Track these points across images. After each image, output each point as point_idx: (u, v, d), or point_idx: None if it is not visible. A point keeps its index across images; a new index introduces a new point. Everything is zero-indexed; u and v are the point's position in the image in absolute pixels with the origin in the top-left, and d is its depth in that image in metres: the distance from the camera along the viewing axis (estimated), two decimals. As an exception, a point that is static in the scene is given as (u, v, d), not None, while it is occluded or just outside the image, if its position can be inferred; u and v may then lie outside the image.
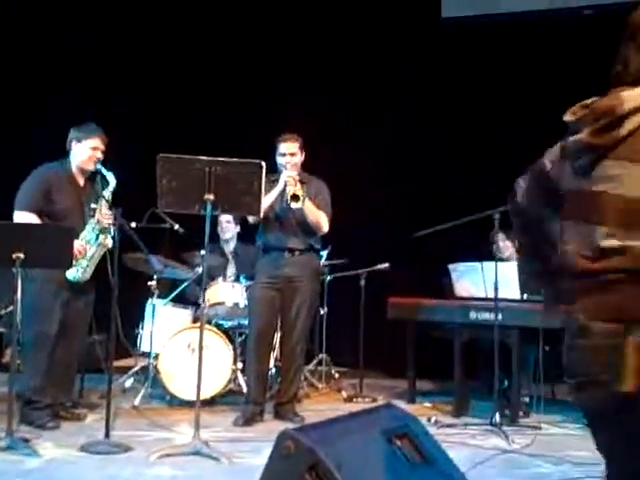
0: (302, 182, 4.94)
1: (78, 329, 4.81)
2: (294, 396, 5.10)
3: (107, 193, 4.71)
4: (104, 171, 4.70)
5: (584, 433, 4.87)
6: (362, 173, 7.03)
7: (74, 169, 4.76)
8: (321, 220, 4.96)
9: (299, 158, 4.99)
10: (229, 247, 6.34)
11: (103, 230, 4.66)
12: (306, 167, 5.11)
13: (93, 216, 4.67)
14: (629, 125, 1.61)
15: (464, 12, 6.96)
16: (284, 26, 7.23)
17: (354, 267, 6.31)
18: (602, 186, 1.63)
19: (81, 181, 4.80)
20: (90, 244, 4.65)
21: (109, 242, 4.61)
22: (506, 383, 5.31)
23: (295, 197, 4.78)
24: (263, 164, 4.29)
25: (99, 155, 4.72)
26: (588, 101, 1.71)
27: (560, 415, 5.39)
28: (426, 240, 5.32)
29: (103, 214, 4.65)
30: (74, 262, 4.47)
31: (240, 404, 5.14)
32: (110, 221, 4.56)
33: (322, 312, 6.45)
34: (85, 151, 4.71)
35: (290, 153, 4.94)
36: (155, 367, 5.48)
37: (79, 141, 4.71)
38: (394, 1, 7.09)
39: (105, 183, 4.73)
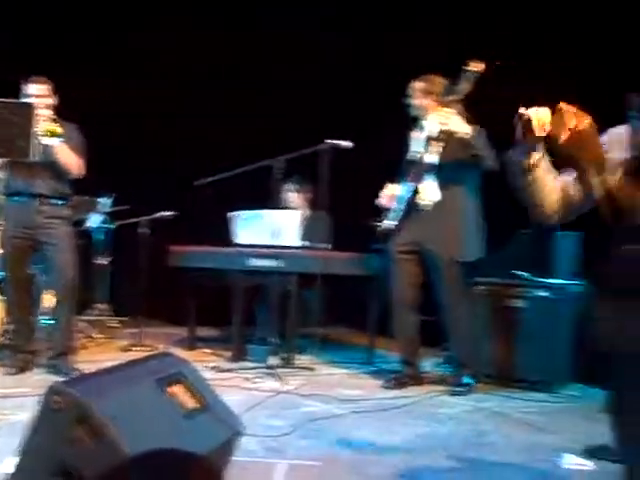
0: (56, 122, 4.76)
1: None
2: (69, 347, 4.94)
3: None
4: None
5: (353, 373, 5.22)
6: (144, 120, 6.85)
7: None
8: (73, 162, 4.77)
9: (49, 100, 4.75)
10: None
11: None
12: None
13: None
14: None
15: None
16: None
17: (138, 215, 6.19)
18: None
19: None
20: None
21: None
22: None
23: (50, 132, 4.56)
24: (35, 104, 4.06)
25: None
26: None
27: (333, 356, 5.70)
28: (210, 188, 5.32)
29: None
30: None
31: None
32: None
33: (105, 261, 6.30)
34: None
35: (38, 95, 4.68)
36: None
37: None
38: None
39: None
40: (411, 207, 4.65)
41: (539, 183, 2.15)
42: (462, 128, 4.41)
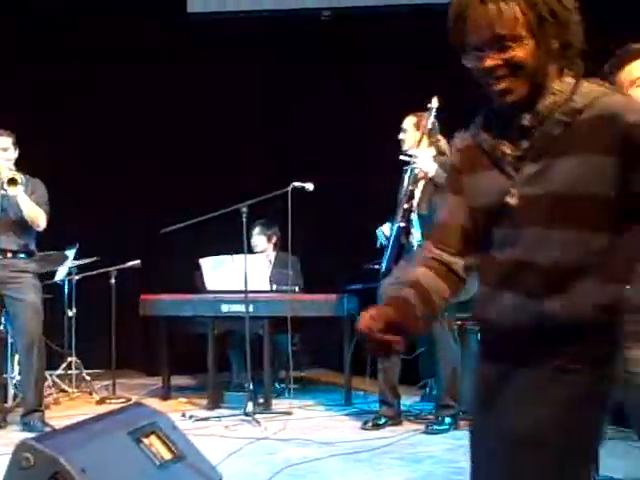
0: None
1: None
2: (40, 404, 4.84)
3: None
4: None
5: (331, 415, 5.16)
6: (108, 171, 6.81)
7: None
8: (38, 214, 4.71)
9: (12, 153, 4.73)
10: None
11: None
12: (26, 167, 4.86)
13: None
14: None
15: (209, 8, 6.99)
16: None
17: (104, 265, 6.12)
18: None
19: None
20: None
21: None
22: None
23: (13, 181, 4.53)
24: None
25: None
26: None
27: (311, 399, 5.64)
28: (177, 235, 5.29)
29: None
30: None
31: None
32: None
33: (70, 313, 6.21)
34: None
35: (2, 148, 4.67)
36: None
37: None
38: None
39: None
40: (401, 247, 4.48)
41: None
42: (425, 167, 4.35)
